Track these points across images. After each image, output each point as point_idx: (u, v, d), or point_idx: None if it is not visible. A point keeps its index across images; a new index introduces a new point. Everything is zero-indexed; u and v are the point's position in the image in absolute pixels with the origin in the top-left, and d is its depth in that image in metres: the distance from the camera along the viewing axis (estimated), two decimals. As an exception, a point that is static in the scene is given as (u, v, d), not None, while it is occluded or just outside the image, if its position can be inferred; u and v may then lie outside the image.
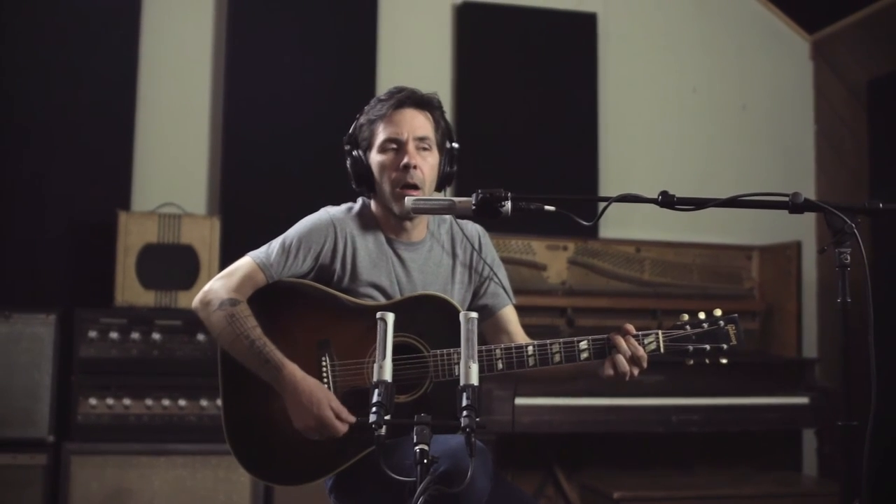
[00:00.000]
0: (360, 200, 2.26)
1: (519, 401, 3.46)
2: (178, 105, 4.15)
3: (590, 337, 2.06)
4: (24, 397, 3.41)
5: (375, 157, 2.17)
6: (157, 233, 3.67)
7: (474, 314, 1.70)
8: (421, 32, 4.45)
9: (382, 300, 2.15)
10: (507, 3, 4.43)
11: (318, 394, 1.99)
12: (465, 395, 1.61)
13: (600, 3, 4.59)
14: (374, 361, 1.69)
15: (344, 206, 2.25)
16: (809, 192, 4.76)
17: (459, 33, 4.44)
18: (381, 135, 2.15)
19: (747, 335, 4.09)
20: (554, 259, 4.06)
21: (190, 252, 3.68)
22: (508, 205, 1.90)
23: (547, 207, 1.93)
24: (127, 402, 3.45)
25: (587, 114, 4.47)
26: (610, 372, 2.03)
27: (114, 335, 3.47)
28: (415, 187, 2.12)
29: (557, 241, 4.06)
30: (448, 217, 2.28)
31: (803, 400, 3.83)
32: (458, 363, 1.68)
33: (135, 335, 3.49)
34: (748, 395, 3.78)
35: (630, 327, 2.05)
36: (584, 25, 4.52)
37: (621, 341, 2.02)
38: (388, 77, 4.20)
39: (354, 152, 2.20)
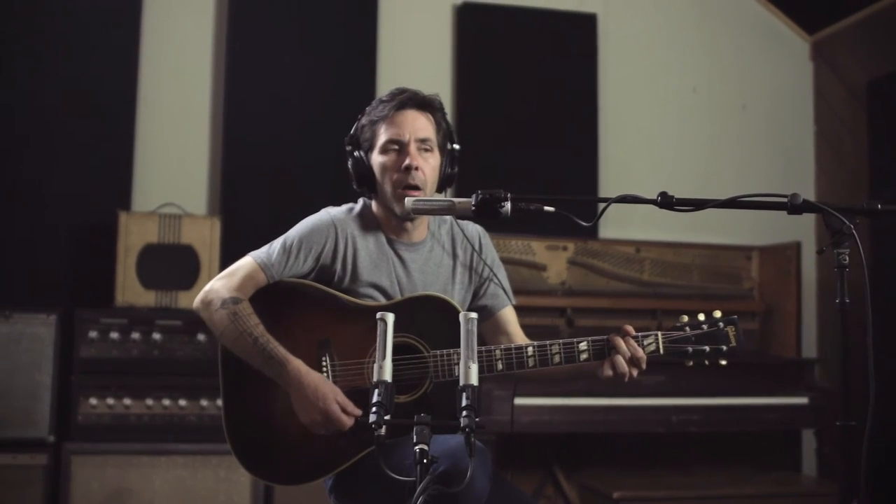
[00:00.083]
0: (360, 201, 2.27)
1: (518, 401, 3.46)
2: (179, 105, 4.15)
3: (589, 338, 2.06)
4: (24, 397, 3.41)
5: (377, 158, 2.17)
6: (157, 233, 3.67)
7: (474, 314, 1.70)
8: (421, 33, 4.45)
9: (383, 300, 2.16)
10: (508, 3, 4.43)
11: (323, 388, 1.99)
12: (464, 395, 1.61)
13: (600, 3, 4.60)
14: (374, 361, 1.69)
15: (345, 207, 2.25)
16: (809, 192, 4.76)
17: (460, 34, 4.44)
18: (382, 136, 2.16)
19: (747, 335, 4.09)
20: (554, 259, 4.07)
21: (190, 252, 3.69)
22: (508, 205, 1.91)
23: (546, 208, 1.94)
24: (127, 402, 3.46)
25: (587, 114, 4.48)
26: (609, 373, 2.04)
27: (114, 335, 3.47)
28: (416, 188, 2.12)
29: (557, 241, 4.06)
30: (448, 218, 2.28)
31: (803, 400, 3.84)
32: (458, 363, 1.69)
33: (135, 335, 3.49)
34: (748, 395, 3.78)
35: (629, 328, 2.06)
36: (585, 26, 4.52)
37: (621, 342, 2.02)
38: (388, 77, 4.21)
39: (356, 153, 2.21)
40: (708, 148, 4.72)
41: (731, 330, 2.08)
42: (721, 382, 3.72)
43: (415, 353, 2.07)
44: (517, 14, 4.44)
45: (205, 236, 3.71)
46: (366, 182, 2.20)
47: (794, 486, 3.90)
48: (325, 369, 2.07)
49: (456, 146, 2.24)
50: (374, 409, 1.61)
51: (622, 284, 4.14)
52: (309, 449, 2.07)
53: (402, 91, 2.19)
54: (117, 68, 3.98)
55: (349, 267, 2.16)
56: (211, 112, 4.18)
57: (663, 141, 4.67)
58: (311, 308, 2.15)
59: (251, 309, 2.06)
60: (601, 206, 1.97)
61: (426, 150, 2.16)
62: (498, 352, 2.06)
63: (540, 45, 4.46)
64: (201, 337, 3.52)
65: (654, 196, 1.87)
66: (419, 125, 2.16)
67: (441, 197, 2.20)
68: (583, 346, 2.06)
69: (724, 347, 2.07)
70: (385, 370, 1.66)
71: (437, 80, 4.35)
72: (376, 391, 1.63)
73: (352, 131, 2.24)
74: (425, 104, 2.19)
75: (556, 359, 2.06)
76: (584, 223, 1.92)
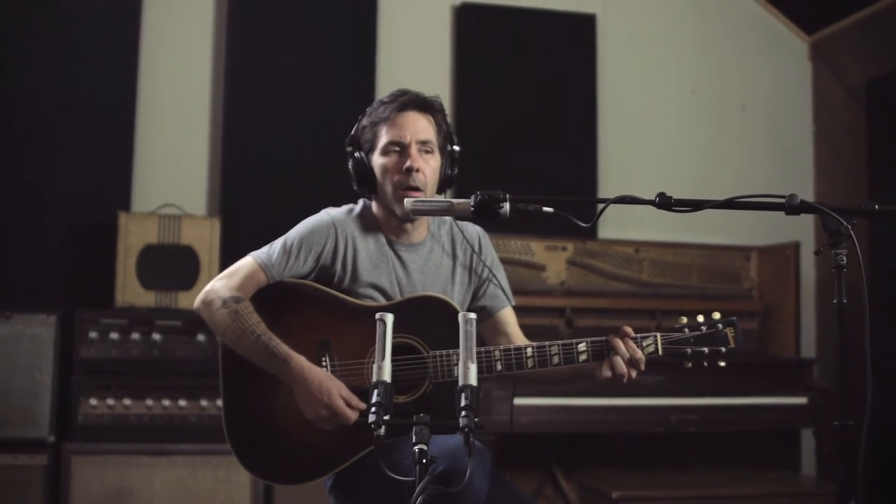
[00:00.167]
0: (360, 202, 2.27)
1: (518, 401, 3.47)
2: (179, 106, 4.16)
3: (588, 339, 2.07)
4: (24, 397, 3.42)
5: (378, 160, 2.18)
6: (157, 233, 3.68)
7: (473, 315, 1.71)
8: (420, 33, 4.46)
9: (383, 301, 2.17)
10: (507, 4, 4.44)
11: (327, 383, 2.00)
12: (463, 395, 1.62)
13: (599, 4, 4.60)
14: (373, 362, 1.70)
15: (345, 208, 2.26)
16: (808, 192, 4.77)
17: (459, 34, 4.45)
18: (383, 137, 2.17)
19: (746, 335, 4.10)
20: (553, 259, 4.07)
21: (190, 253, 3.69)
22: (507, 206, 1.91)
23: (545, 209, 1.94)
24: (127, 402, 3.46)
25: (586, 115, 4.48)
26: (608, 374, 2.04)
27: (114, 335, 3.48)
28: (417, 190, 2.13)
29: (556, 241, 4.07)
30: (448, 219, 2.29)
31: (801, 400, 3.85)
32: (458, 364, 1.69)
33: (135, 335, 3.50)
34: (747, 395, 3.79)
35: (629, 330, 2.06)
36: (584, 26, 4.53)
37: (620, 343, 2.03)
38: (388, 78, 4.22)
39: (356, 154, 2.21)
40: (707, 148, 4.72)
41: (729, 331, 2.08)
42: (720, 382, 3.72)
43: (414, 353, 2.08)
44: (516, 14, 4.44)
45: (204, 237, 3.71)
46: (366, 183, 2.21)
47: (793, 485, 3.91)
48: (325, 369, 2.08)
49: (456, 147, 2.25)
50: (373, 409, 1.61)
51: (621, 285, 4.15)
52: (309, 448, 2.07)
53: (403, 93, 2.19)
54: (117, 68, 3.99)
55: (349, 267, 2.16)
56: (211, 112, 4.18)
57: (662, 141, 4.68)
58: (311, 308, 2.16)
59: (252, 308, 2.07)
60: (600, 206, 1.97)
61: (427, 151, 2.17)
62: (497, 352, 2.07)
63: (539, 45, 4.46)
64: (201, 337, 3.52)
65: (652, 196, 1.88)
66: (420, 127, 2.17)
67: (440, 198, 2.20)
68: (582, 347, 2.06)
69: (723, 349, 2.08)
70: (384, 370, 1.66)
71: (437, 81, 4.36)
72: (375, 391, 1.64)
73: (352, 132, 2.25)
74: (426, 106, 2.19)
75: (555, 360, 2.06)
76: (582, 224, 1.93)
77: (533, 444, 3.81)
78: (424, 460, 1.57)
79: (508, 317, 2.33)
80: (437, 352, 2.07)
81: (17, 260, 3.80)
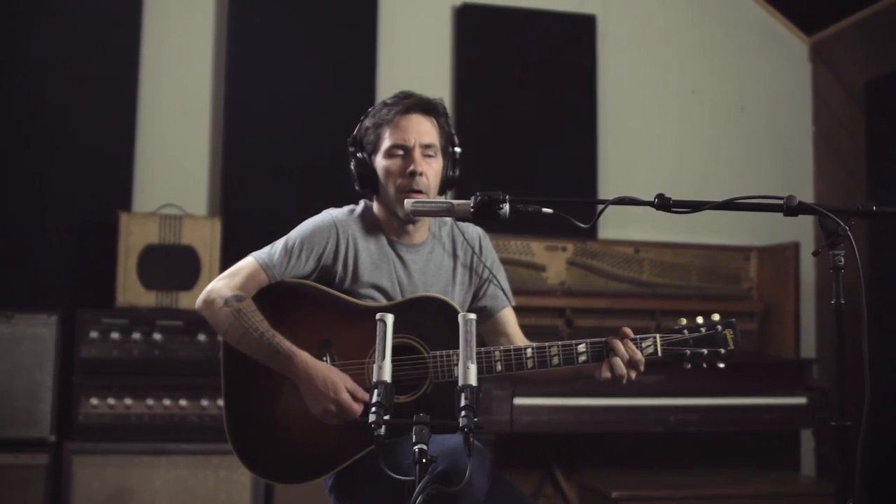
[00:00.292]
0: (362, 202, 2.28)
1: (518, 401, 3.47)
2: (179, 106, 4.16)
3: (588, 340, 2.07)
4: (25, 397, 3.43)
5: (381, 162, 2.18)
6: (158, 234, 3.68)
7: (472, 315, 1.71)
8: (421, 34, 4.46)
9: (384, 301, 2.17)
10: (507, 4, 4.44)
11: (331, 376, 2.01)
12: (463, 395, 1.62)
13: (599, 4, 4.61)
14: (374, 362, 1.70)
15: (346, 208, 2.26)
16: (808, 193, 4.77)
17: (459, 35, 4.45)
18: (387, 140, 2.17)
19: (745, 335, 4.11)
20: (553, 260, 4.08)
21: (191, 253, 3.70)
22: (506, 207, 1.92)
23: (544, 210, 1.95)
24: (128, 402, 3.47)
25: (586, 115, 4.49)
26: (607, 375, 2.05)
27: (115, 335, 3.48)
28: (419, 193, 2.14)
29: (556, 241, 4.08)
30: (449, 219, 2.30)
31: (801, 400, 3.85)
32: (458, 364, 1.70)
33: (136, 335, 3.50)
34: (746, 395, 3.79)
35: (628, 331, 2.07)
36: (584, 27, 4.53)
37: (619, 345, 2.04)
38: (388, 78, 4.23)
39: (359, 154, 2.22)
40: (707, 149, 4.73)
41: (728, 333, 2.09)
42: (719, 382, 3.72)
43: (415, 353, 2.09)
44: (516, 15, 4.45)
45: (205, 237, 3.72)
46: (368, 183, 2.21)
47: (792, 485, 3.91)
48: (326, 367, 2.08)
49: (457, 149, 2.25)
50: (373, 409, 1.62)
51: (621, 285, 4.16)
52: (309, 447, 2.08)
53: (407, 95, 2.20)
54: (118, 68, 3.99)
55: (350, 268, 2.17)
56: (211, 112, 4.19)
57: (662, 142, 4.68)
58: (312, 308, 2.16)
59: (255, 306, 2.08)
60: (599, 207, 1.98)
61: (430, 155, 2.18)
62: (497, 353, 2.08)
63: (539, 46, 4.47)
64: (202, 337, 3.53)
65: (652, 197, 1.88)
66: (423, 130, 2.17)
67: (440, 199, 2.21)
68: (581, 347, 2.07)
69: (722, 350, 2.08)
70: (384, 370, 1.67)
71: (437, 81, 4.37)
72: (376, 391, 1.64)
73: (355, 132, 2.25)
74: (430, 109, 2.20)
75: (555, 360, 2.07)
76: (581, 225, 1.93)
77: (533, 444, 3.82)
78: (424, 460, 1.58)
79: (509, 317, 2.34)
80: (438, 352, 2.07)
81: (19, 260, 3.80)
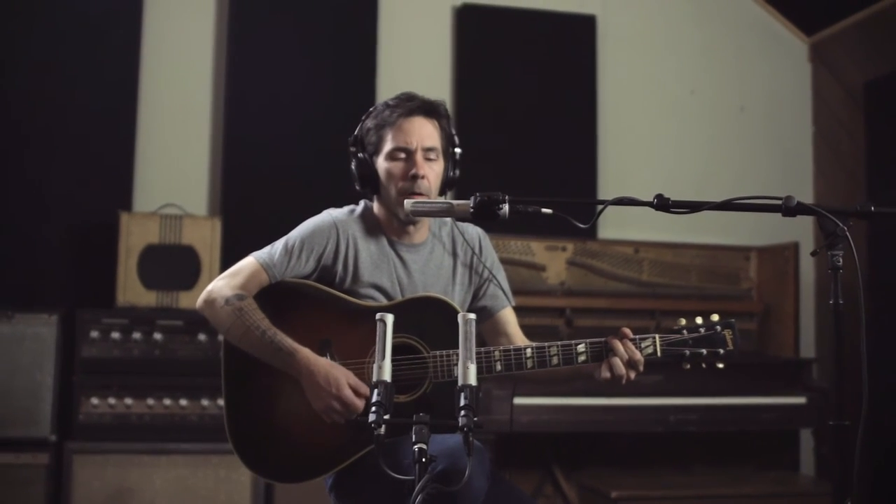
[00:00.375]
0: (362, 202, 2.29)
1: (518, 400, 3.48)
2: (180, 106, 4.17)
3: (587, 340, 2.08)
4: (26, 397, 3.43)
5: (382, 164, 2.19)
6: (158, 234, 3.69)
7: (472, 315, 1.72)
8: (421, 34, 4.47)
9: (384, 301, 2.18)
10: (507, 4, 4.45)
11: (334, 372, 2.01)
12: (462, 395, 1.63)
13: (599, 5, 4.61)
14: (374, 362, 1.71)
15: (346, 209, 2.27)
16: (807, 193, 4.78)
17: (459, 35, 4.46)
18: (389, 142, 2.18)
19: (745, 335, 4.11)
20: (553, 260, 4.08)
21: (191, 253, 3.70)
22: (506, 208, 1.92)
23: (544, 210, 1.95)
24: (128, 401, 3.47)
25: (586, 115, 4.49)
26: (607, 375, 2.05)
27: (115, 335, 3.49)
28: (421, 195, 2.14)
29: (556, 241, 4.08)
30: (449, 219, 2.30)
31: (801, 400, 3.85)
32: (457, 364, 1.70)
33: (136, 335, 3.51)
34: (746, 395, 3.80)
35: (627, 331, 2.07)
36: (584, 27, 4.54)
37: (619, 345, 2.04)
38: (388, 78, 4.23)
39: (360, 155, 2.22)
40: (706, 149, 4.73)
41: (728, 333, 2.09)
42: (719, 382, 3.73)
43: (415, 353, 2.09)
44: (516, 15, 4.45)
45: (205, 237, 3.72)
46: (369, 184, 2.22)
47: (792, 485, 3.92)
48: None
49: (457, 150, 2.26)
50: (373, 408, 1.63)
51: (621, 285, 4.16)
52: (309, 447, 2.09)
53: (410, 98, 2.20)
54: (118, 68, 3.99)
55: (350, 268, 2.18)
56: (212, 112, 4.19)
57: (662, 142, 4.69)
58: (312, 308, 2.17)
59: (256, 304, 2.08)
60: (598, 207, 1.98)
61: (431, 158, 2.18)
62: (497, 353, 2.08)
63: (539, 46, 4.47)
64: (202, 337, 3.54)
65: (651, 197, 1.88)
66: (426, 133, 2.18)
67: (440, 199, 2.21)
68: (581, 348, 2.07)
69: (721, 351, 2.09)
70: (384, 370, 1.67)
71: (437, 81, 4.38)
72: (375, 391, 1.65)
73: (356, 133, 2.25)
74: (432, 111, 2.21)
75: (555, 360, 2.07)
76: (581, 225, 1.94)
77: (532, 444, 3.83)
78: (424, 459, 1.58)
79: (509, 317, 2.34)
80: (438, 352, 2.08)
81: (19, 260, 3.81)
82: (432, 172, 2.18)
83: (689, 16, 4.78)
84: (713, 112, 4.76)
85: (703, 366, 2.10)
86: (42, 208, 3.86)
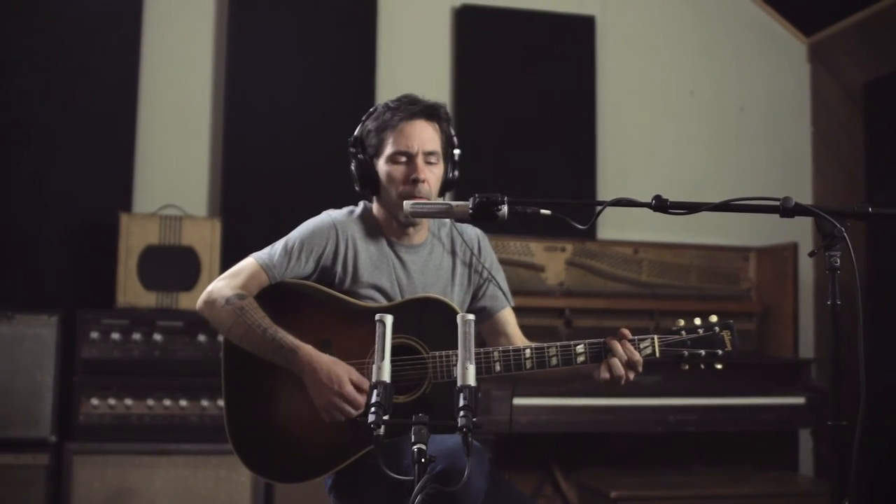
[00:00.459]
0: (361, 203, 2.29)
1: (517, 401, 3.48)
2: (180, 106, 4.17)
3: (586, 341, 2.08)
4: (26, 397, 3.43)
5: (383, 166, 2.19)
6: (158, 234, 3.69)
7: (471, 316, 1.72)
8: (420, 35, 4.47)
9: (383, 302, 2.18)
10: (506, 5, 4.45)
11: (336, 369, 2.01)
12: (462, 395, 1.63)
13: (598, 5, 4.61)
14: (373, 362, 1.71)
15: (346, 209, 2.27)
16: (806, 193, 4.78)
17: (458, 36, 4.46)
18: (390, 146, 2.18)
19: (744, 336, 4.12)
20: (552, 260, 4.09)
21: (191, 254, 3.71)
22: (505, 208, 1.92)
23: (543, 211, 1.95)
24: (128, 402, 3.48)
25: (585, 116, 4.49)
26: (606, 375, 2.06)
27: (115, 336, 3.49)
28: (421, 199, 2.15)
29: (555, 242, 4.09)
30: (448, 220, 2.30)
31: (800, 400, 3.86)
32: (457, 364, 1.71)
33: (136, 336, 3.51)
34: (745, 395, 3.80)
35: (626, 332, 2.08)
36: (583, 28, 4.54)
37: (617, 345, 2.05)
38: (388, 79, 4.24)
39: (360, 156, 2.23)
40: (705, 149, 4.74)
41: (726, 334, 2.10)
42: (718, 382, 3.73)
43: (414, 353, 2.10)
44: (516, 16, 4.46)
45: (205, 238, 3.73)
46: (369, 185, 2.22)
47: (791, 485, 3.92)
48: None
49: (457, 151, 2.26)
50: (372, 409, 1.63)
51: (620, 285, 4.16)
52: (309, 447, 2.09)
53: (412, 101, 2.20)
54: (118, 68, 3.99)
55: (350, 268, 2.18)
56: (211, 113, 4.20)
57: (661, 142, 4.69)
58: (312, 309, 2.17)
59: (256, 304, 2.09)
60: (597, 208, 1.98)
61: (432, 162, 2.19)
62: (496, 354, 2.08)
63: (538, 47, 4.48)
64: (202, 338, 3.54)
65: (650, 198, 1.89)
66: (427, 136, 2.18)
67: (439, 200, 2.22)
68: (580, 348, 2.08)
69: (720, 351, 2.10)
70: (384, 371, 1.68)
71: (436, 82, 4.38)
72: (375, 391, 1.65)
73: (356, 134, 2.26)
74: (433, 114, 2.21)
75: (554, 361, 2.08)
76: (579, 226, 1.94)
77: (532, 444, 3.83)
78: (423, 460, 1.59)
79: (508, 317, 2.35)
80: (437, 352, 2.08)
81: (19, 260, 3.81)
82: (433, 176, 2.18)
83: (688, 16, 4.78)
84: (712, 112, 4.76)
85: (702, 367, 2.10)
86: (42, 208, 3.86)
